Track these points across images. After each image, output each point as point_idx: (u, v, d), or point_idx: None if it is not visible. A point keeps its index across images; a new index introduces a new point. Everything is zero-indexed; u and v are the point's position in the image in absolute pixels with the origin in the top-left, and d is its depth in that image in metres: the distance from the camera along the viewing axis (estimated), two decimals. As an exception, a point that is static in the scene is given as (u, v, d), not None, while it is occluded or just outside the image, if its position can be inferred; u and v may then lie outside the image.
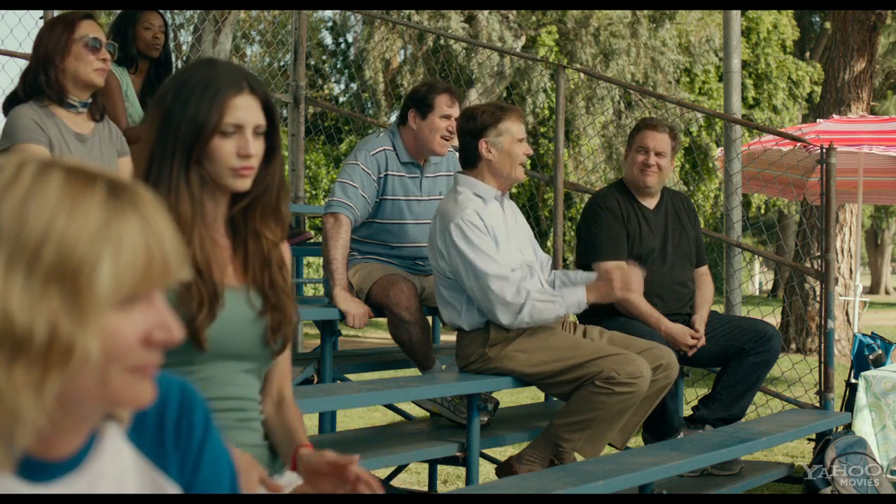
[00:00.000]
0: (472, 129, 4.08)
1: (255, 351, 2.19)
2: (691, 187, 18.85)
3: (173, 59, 5.40)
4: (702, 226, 5.19)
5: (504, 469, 4.14)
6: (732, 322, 4.86)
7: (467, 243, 3.93)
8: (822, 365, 5.32)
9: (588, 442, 3.99)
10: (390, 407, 5.59)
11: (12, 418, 1.07)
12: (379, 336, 13.80)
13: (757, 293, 32.83)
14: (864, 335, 5.73)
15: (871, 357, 5.58)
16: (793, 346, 11.78)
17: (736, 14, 7.13)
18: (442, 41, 17.69)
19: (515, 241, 4.11)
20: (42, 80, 3.68)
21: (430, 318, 4.68)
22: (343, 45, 22.28)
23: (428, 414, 4.71)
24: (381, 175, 4.49)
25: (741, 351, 4.70)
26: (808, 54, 25.43)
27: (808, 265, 8.36)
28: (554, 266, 5.32)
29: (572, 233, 15.18)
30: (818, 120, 9.95)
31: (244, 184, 2.15)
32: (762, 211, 22.84)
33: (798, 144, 6.21)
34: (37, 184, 1.10)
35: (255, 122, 2.15)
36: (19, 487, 1.14)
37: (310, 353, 5.16)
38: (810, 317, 11.86)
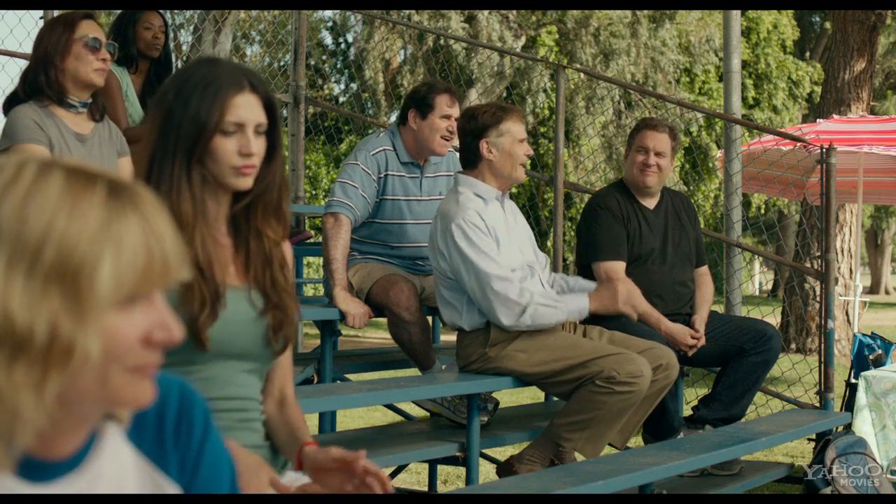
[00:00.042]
0: (473, 130, 4.08)
1: (256, 351, 2.19)
2: (691, 187, 18.85)
3: (173, 59, 5.40)
4: (702, 226, 5.18)
5: (504, 469, 4.14)
6: (732, 322, 4.86)
7: (469, 244, 3.93)
8: (822, 365, 5.31)
9: (588, 441, 3.99)
10: (390, 407, 5.59)
11: (12, 418, 1.07)
12: (379, 336, 13.80)
13: (757, 293, 32.82)
14: (864, 335, 5.73)
15: (871, 357, 5.57)
16: (793, 346, 11.78)
17: (736, 14, 7.13)
18: (442, 41, 17.68)
19: (516, 242, 4.11)
20: (42, 80, 3.67)
21: (430, 318, 4.68)
22: (343, 45, 22.28)
23: (428, 414, 4.71)
24: (381, 175, 4.49)
25: (741, 351, 4.70)
26: (808, 54, 25.42)
27: (808, 265, 8.36)
28: (554, 266, 5.32)
29: (572, 233, 15.16)
30: (818, 120, 9.95)
31: (246, 182, 2.15)
32: (762, 211, 22.84)
33: (798, 144, 6.21)
34: (37, 184, 1.10)
35: (256, 121, 2.15)
36: (19, 487, 1.14)
37: (310, 353, 5.16)
38: (810, 317, 11.86)
